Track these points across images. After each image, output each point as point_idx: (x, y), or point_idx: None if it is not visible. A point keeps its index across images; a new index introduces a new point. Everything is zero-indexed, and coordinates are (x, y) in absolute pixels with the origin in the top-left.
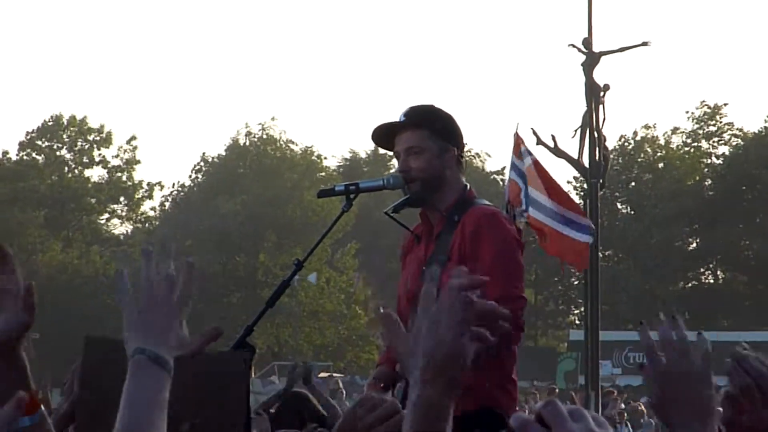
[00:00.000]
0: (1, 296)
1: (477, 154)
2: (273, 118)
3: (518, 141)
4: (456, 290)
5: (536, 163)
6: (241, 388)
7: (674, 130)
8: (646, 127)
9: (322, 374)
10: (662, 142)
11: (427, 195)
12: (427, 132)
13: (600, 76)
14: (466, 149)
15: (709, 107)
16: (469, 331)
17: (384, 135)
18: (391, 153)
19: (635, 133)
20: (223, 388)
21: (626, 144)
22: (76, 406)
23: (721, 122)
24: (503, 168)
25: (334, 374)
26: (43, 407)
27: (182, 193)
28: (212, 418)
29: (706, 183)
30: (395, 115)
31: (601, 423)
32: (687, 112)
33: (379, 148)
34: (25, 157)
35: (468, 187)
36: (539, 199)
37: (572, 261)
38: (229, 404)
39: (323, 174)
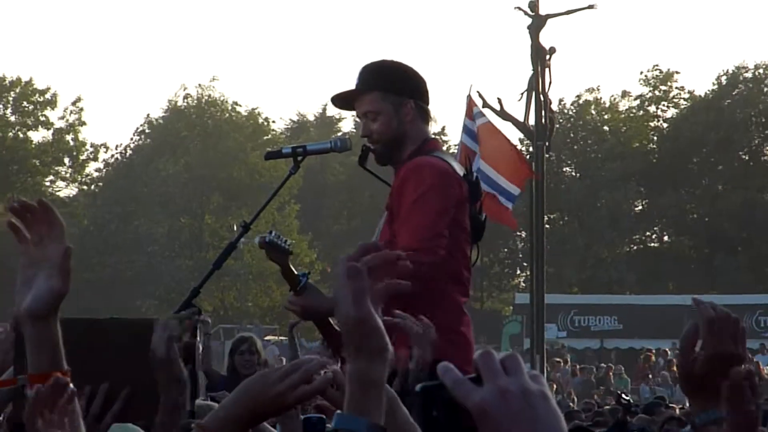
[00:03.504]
0: (39, 262)
1: None
2: (213, 79)
3: (471, 103)
4: (341, 262)
5: (488, 125)
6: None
7: (624, 94)
8: (590, 90)
9: (269, 337)
10: (608, 104)
11: (391, 154)
12: (379, 93)
13: (546, 39)
14: None
15: (661, 71)
16: (366, 298)
17: (344, 101)
18: (338, 116)
19: (578, 96)
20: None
21: (571, 107)
22: None
23: (671, 86)
24: (444, 128)
25: (281, 337)
26: (72, 386)
27: (125, 157)
28: (148, 384)
29: (652, 146)
30: (342, 77)
31: (534, 376)
32: (641, 73)
33: (327, 111)
34: None
35: (428, 139)
36: (478, 164)
37: (505, 222)
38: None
39: (269, 136)
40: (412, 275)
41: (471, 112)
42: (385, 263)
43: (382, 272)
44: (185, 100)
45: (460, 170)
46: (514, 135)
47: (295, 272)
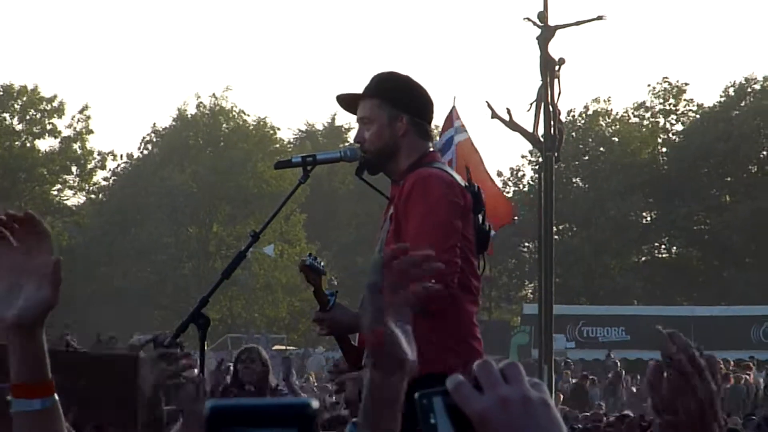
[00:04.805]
0: (26, 272)
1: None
2: (227, 88)
3: (454, 114)
4: (368, 288)
5: (468, 141)
6: (132, 389)
7: (633, 106)
8: (597, 101)
9: (277, 347)
10: (616, 115)
11: (379, 163)
12: (378, 101)
13: (555, 50)
14: None
15: (670, 84)
16: (384, 314)
17: (348, 103)
18: (347, 125)
19: (586, 107)
20: (118, 389)
21: (580, 117)
22: None
23: (680, 99)
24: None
25: (289, 347)
26: (56, 395)
27: (132, 165)
28: (113, 419)
29: (661, 157)
30: (350, 88)
31: (535, 384)
32: (648, 86)
33: (336, 120)
34: None
35: (427, 152)
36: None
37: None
38: (123, 405)
39: (277, 145)
40: (443, 296)
41: (451, 123)
42: (414, 265)
43: (414, 274)
44: (197, 109)
45: (462, 182)
46: (523, 146)
47: (325, 292)
